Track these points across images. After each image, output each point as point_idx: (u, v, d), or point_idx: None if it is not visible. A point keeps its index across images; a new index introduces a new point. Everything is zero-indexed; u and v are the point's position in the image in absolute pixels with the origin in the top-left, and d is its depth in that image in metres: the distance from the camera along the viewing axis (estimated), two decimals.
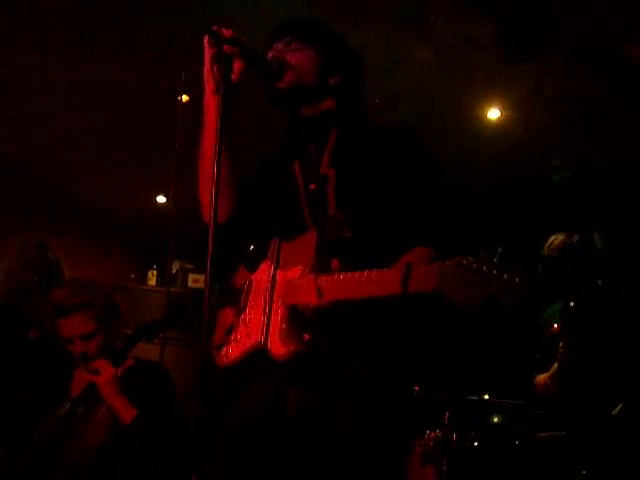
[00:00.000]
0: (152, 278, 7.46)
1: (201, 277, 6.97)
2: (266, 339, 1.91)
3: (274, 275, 2.00)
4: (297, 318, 1.88)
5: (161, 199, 7.43)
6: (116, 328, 3.09)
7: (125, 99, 5.21)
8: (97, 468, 2.76)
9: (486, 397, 3.91)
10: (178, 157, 2.06)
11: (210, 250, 1.75)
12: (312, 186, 2.07)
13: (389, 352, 1.97)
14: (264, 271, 2.04)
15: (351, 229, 1.95)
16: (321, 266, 1.89)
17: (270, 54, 2.11)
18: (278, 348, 1.87)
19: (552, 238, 3.80)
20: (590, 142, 5.38)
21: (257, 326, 1.95)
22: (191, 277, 7.14)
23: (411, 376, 2.10)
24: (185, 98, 2.02)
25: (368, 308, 1.83)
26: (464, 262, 1.54)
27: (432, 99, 4.93)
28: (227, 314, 2.09)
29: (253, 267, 2.10)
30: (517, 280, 1.49)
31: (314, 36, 2.17)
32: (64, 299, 3.01)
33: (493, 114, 5.16)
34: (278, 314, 1.92)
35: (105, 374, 2.82)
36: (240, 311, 2.04)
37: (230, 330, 2.03)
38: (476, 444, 3.58)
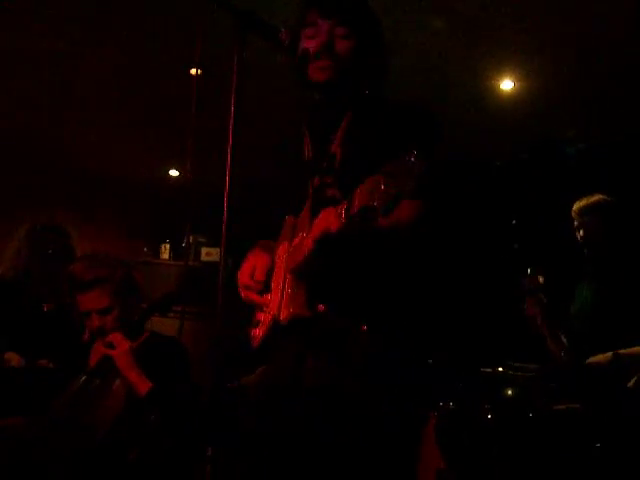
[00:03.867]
0: (165, 252, 7.48)
1: (214, 250, 7.00)
2: (279, 310, 1.98)
3: (284, 250, 2.09)
4: (302, 284, 1.93)
5: (174, 173, 7.43)
6: (133, 303, 3.10)
7: (139, 72, 5.18)
8: (112, 439, 2.79)
9: (500, 369, 3.90)
10: (192, 131, 2.06)
11: (224, 223, 1.75)
12: (323, 164, 2.09)
13: (401, 318, 1.98)
14: (281, 251, 2.11)
15: (338, 189, 1.95)
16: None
17: (309, 31, 2.08)
18: (283, 313, 1.95)
19: (582, 199, 3.76)
20: (604, 113, 5.34)
21: (274, 303, 2.02)
22: (204, 250, 7.17)
23: (426, 345, 2.10)
24: (199, 71, 2.01)
25: (374, 269, 1.88)
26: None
27: (445, 70, 4.89)
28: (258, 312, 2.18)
29: (275, 248, 2.18)
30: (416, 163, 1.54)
31: (362, 25, 2.12)
32: (81, 274, 3.03)
33: (506, 85, 5.12)
34: (286, 283, 1.98)
35: (120, 347, 2.84)
36: (266, 294, 2.11)
37: (259, 310, 2.12)
38: (490, 416, 3.58)
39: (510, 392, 3.72)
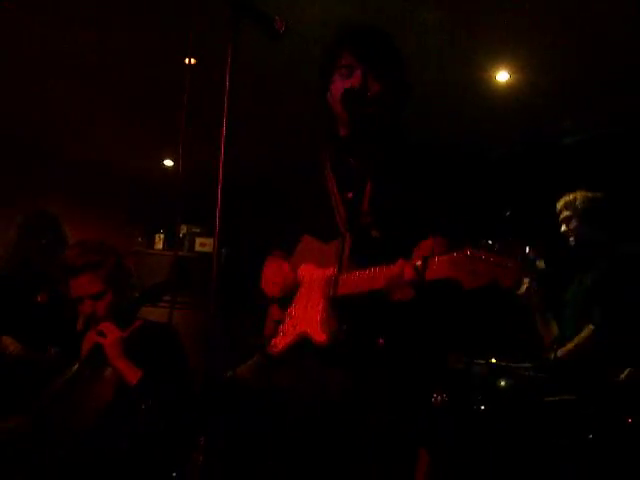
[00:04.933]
0: (159, 242, 7.47)
1: (208, 241, 7.00)
2: (309, 328, 2.17)
3: (313, 274, 2.25)
4: (335, 309, 2.13)
5: (168, 162, 7.42)
6: (125, 290, 3.10)
7: (132, 61, 5.16)
8: (103, 427, 2.79)
9: (493, 361, 3.91)
10: (186, 120, 2.05)
11: (218, 213, 1.74)
12: (349, 194, 2.24)
13: (420, 338, 2.18)
14: (305, 271, 2.30)
15: (379, 230, 2.18)
16: (351, 265, 2.13)
17: (354, 80, 2.24)
18: (319, 335, 2.12)
19: (565, 195, 3.83)
20: (600, 105, 5.33)
21: (301, 318, 2.22)
22: (198, 241, 7.18)
23: (443, 359, 2.31)
24: (193, 60, 2.00)
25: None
26: (468, 253, 1.81)
27: (440, 62, 4.88)
28: (275, 309, 2.36)
29: (295, 265, 2.35)
30: (510, 264, 1.77)
31: (390, 70, 2.31)
32: (72, 259, 3.03)
33: (502, 77, 5.11)
34: (319, 306, 2.16)
35: (110, 336, 2.84)
36: (286, 307, 2.30)
37: (278, 323, 2.30)
38: (483, 408, 3.59)
39: (503, 383, 3.73)
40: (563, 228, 3.81)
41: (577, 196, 3.79)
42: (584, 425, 3.18)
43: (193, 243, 7.19)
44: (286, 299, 2.31)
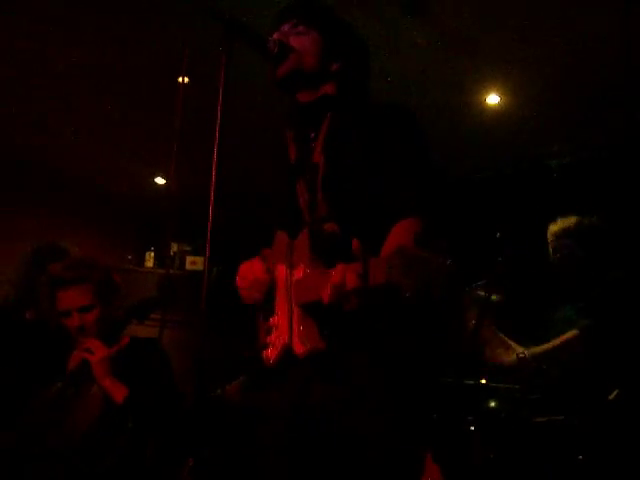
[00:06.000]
0: (150, 260, 7.46)
1: (199, 259, 7.00)
2: (290, 339, 2.00)
3: (288, 275, 2.07)
4: (312, 317, 1.96)
5: (160, 180, 7.42)
6: (114, 306, 3.09)
7: (125, 80, 5.18)
8: (89, 445, 2.77)
9: (483, 381, 3.91)
10: (178, 139, 2.06)
11: (209, 233, 1.75)
12: (307, 176, 2.11)
13: (401, 347, 2.01)
14: (281, 271, 2.10)
15: (337, 222, 1.99)
16: (317, 263, 1.95)
17: (275, 35, 2.12)
18: (299, 347, 1.96)
19: (558, 221, 3.76)
20: (589, 128, 5.38)
21: (284, 328, 2.04)
22: (189, 259, 7.17)
23: (427, 369, 2.15)
24: (186, 79, 2.01)
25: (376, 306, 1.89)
26: (404, 250, 1.62)
27: (431, 84, 4.91)
28: (260, 318, 2.19)
29: (273, 266, 2.16)
30: (448, 263, 1.59)
31: (319, 20, 2.17)
32: (61, 272, 3.02)
33: (492, 99, 5.15)
34: (295, 315, 2.00)
35: (97, 354, 2.83)
36: (271, 314, 2.12)
37: (268, 332, 2.13)
38: (472, 428, 3.59)
39: (493, 404, 3.72)
40: (558, 254, 3.72)
41: (575, 222, 3.70)
42: (573, 446, 3.18)
43: (184, 261, 7.18)
44: (268, 306, 2.15)
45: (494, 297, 3.66)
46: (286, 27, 2.15)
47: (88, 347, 2.86)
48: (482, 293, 3.68)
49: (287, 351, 2.01)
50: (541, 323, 3.79)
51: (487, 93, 5.07)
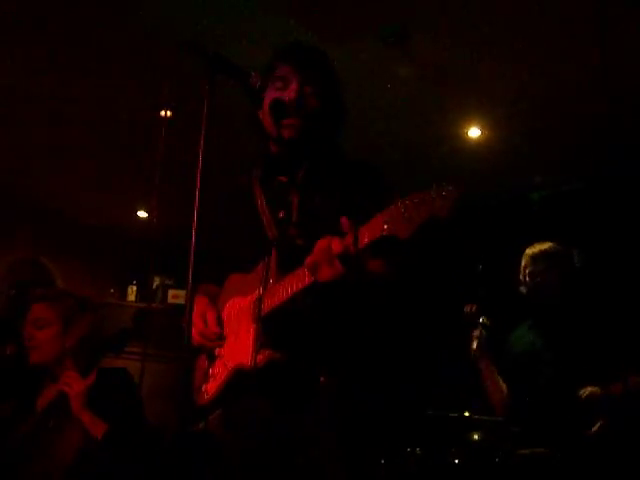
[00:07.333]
0: (132, 294, 7.42)
1: (181, 293, 6.96)
2: (242, 359, 1.98)
3: (239, 304, 2.10)
4: (267, 329, 1.95)
5: (142, 214, 7.41)
6: (78, 333, 3.04)
7: (106, 115, 5.18)
8: (71, 478, 2.74)
9: (466, 414, 3.91)
10: (160, 172, 2.07)
11: (191, 266, 1.75)
12: (280, 214, 2.12)
13: (356, 362, 2.03)
14: (230, 307, 2.15)
15: (304, 238, 2.00)
16: (280, 278, 1.97)
17: (290, 92, 2.13)
18: (249, 360, 1.92)
19: (536, 246, 3.75)
20: (569, 161, 5.43)
21: (232, 353, 2.04)
22: (171, 293, 7.14)
23: (385, 389, 2.13)
24: (169, 113, 2.02)
25: (330, 314, 1.93)
26: (399, 203, 1.61)
27: (412, 116, 4.95)
28: (202, 359, 2.18)
29: (221, 305, 2.20)
30: (446, 190, 1.57)
31: (326, 86, 2.19)
32: (34, 292, 3.06)
33: (473, 133, 5.20)
34: (249, 333, 1.99)
35: (75, 387, 2.81)
36: (214, 352, 2.12)
37: (207, 370, 2.12)
38: (457, 461, 3.58)
39: (476, 436, 3.72)
40: (535, 279, 3.68)
41: (552, 248, 3.70)
42: (556, 478, 3.17)
43: (166, 295, 7.15)
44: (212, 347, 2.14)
45: (484, 320, 3.66)
46: (295, 83, 2.14)
47: (66, 381, 2.83)
48: (476, 313, 3.68)
49: (238, 373, 1.99)
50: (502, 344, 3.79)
51: (468, 126, 5.12)
